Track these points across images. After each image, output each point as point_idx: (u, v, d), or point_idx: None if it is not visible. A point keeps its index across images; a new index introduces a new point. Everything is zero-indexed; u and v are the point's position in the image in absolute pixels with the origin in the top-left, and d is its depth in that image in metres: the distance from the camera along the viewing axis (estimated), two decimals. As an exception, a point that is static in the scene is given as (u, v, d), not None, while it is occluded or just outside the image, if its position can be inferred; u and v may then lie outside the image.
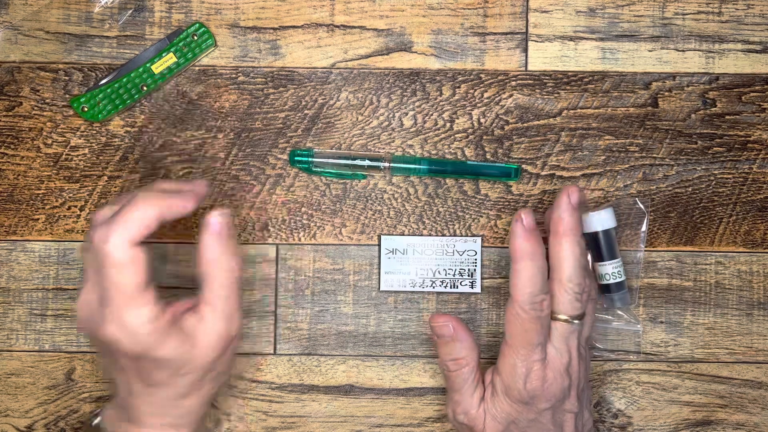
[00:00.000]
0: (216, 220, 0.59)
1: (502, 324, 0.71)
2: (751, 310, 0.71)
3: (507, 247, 0.71)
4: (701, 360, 0.72)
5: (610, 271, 0.68)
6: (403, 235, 0.71)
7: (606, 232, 0.68)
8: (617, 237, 0.70)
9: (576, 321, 0.62)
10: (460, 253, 0.71)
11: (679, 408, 0.72)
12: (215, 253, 0.59)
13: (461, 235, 0.71)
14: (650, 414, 0.72)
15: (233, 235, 0.60)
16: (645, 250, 0.71)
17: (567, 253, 0.62)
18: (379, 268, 0.71)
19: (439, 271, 0.71)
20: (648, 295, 0.71)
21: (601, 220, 0.68)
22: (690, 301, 0.71)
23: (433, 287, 0.71)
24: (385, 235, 0.71)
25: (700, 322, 0.71)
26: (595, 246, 0.68)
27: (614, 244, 0.68)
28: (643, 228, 0.71)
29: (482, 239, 0.71)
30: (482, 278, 0.71)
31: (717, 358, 0.72)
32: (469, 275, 0.71)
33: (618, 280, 0.69)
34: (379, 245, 0.71)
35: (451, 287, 0.71)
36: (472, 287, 0.71)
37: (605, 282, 0.69)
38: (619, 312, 0.71)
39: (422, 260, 0.71)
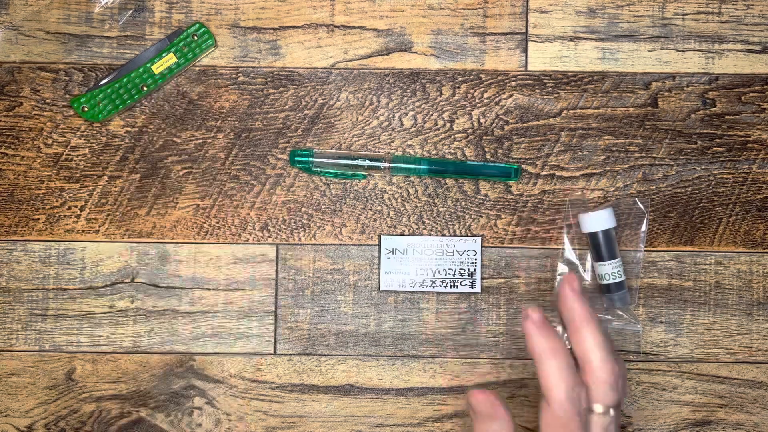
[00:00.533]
0: None
1: (503, 323, 0.71)
2: (750, 310, 0.71)
3: (507, 248, 0.71)
4: (701, 360, 0.72)
5: (610, 271, 0.68)
6: (403, 235, 0.71)
7: (606, 232, 0.68)
8: (617, 237, 0.70)
9: (613, 410, 0.58)
10: (460, 253, 0.71)
11: (678, 408, 0.72)
12: None
13: (461, 235, 0.71)
14: (650, 414, 0.72)
15: None
16: (645, 250, 0.71)
17: (590, 343, 0.58)
18: (379, 268, 0.71)
19: (439, 271, 0.71)
20: (648, 295, 0.71)
21: (601, 220, 0.68)
22: (690, 301, 0.71)
23: (433, 287, 0.71)
24: (385, 235, 0.71)
25: (700, 322, 0.71)
26: (595, 246, 0.68)
27: (614, 244, 0.68)
28: (643, 228, 0.71)
29: (482, 239, 0.71)
30: (482, 278, 0.71)
31: (717, 358, 0.72)
32: (469, 275, 0.71)
33: (618, 280, 0.69)
34: (379, 245, 0.71)
35: (451, 287, 0.71)
36: (472, 287, 0.71)
37: (605, 282, 0.69)
38: (619, 312, 0.71)
39: (422, 260, 0.71)
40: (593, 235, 0.68)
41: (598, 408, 0.57)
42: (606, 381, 0.57)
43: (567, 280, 0.59)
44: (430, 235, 0.71)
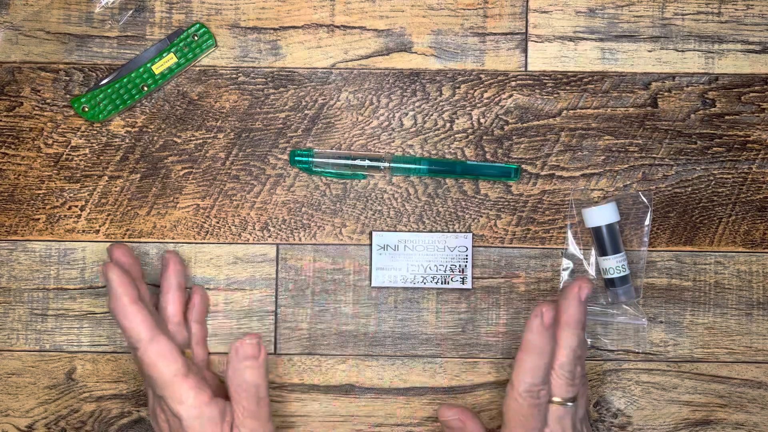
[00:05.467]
0: None
1: (502, 323, 0.71)
2: (750, 310, 0.71)
3: (507, 248, 0.71)
4: (701, 360, 0.72)
5: (614, 265, 0.68)
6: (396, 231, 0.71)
7: (609, 226, 0.68)
8: (621, 231, 0.70)
9: (570, 402, 0.63)
10: (451, 249, 0.71)
11: (678, 408, 0.72)
12: None
13: (453, 231, 0.71)
14: (650, 413, 0.72)
15: None
16: (646, 250, 0.71)
17: (568, 342, 0.62)
18: (371, 265, 0.71)
19: (430, 267, 0.71)
20: (648, 295, 0.71)
21: (605, 214, 0.68)
22: (690, 301, 0.71)
23: (425, 283, 0.71)
24: (376, 231, 0.71)
25: (700, 322, 0.71)
26: (599, 240, 0.68)
27: (618, 238, 0.69)
28: (647, 222, 0.71)
29: (473, 236, 0.71)
30: (482, 278, 0.71)
31: (716, 357, 0.72)
32: (459, 271, 0.71)
33: (622, 274, 0.69)
34: (371, 241, 0.71)
35: (442, 283, 0.71)
36: (462, 283, 0.71)
37: (609, 276, 0.69)
38: (624, 306, 0.71)
39: (413, 256, 0.71)
40: (597, 230, 0.68)
41: (556, 399, 0.63)
42: (567, 379, 0.63)
43: (579, 283, 0.62)
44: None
